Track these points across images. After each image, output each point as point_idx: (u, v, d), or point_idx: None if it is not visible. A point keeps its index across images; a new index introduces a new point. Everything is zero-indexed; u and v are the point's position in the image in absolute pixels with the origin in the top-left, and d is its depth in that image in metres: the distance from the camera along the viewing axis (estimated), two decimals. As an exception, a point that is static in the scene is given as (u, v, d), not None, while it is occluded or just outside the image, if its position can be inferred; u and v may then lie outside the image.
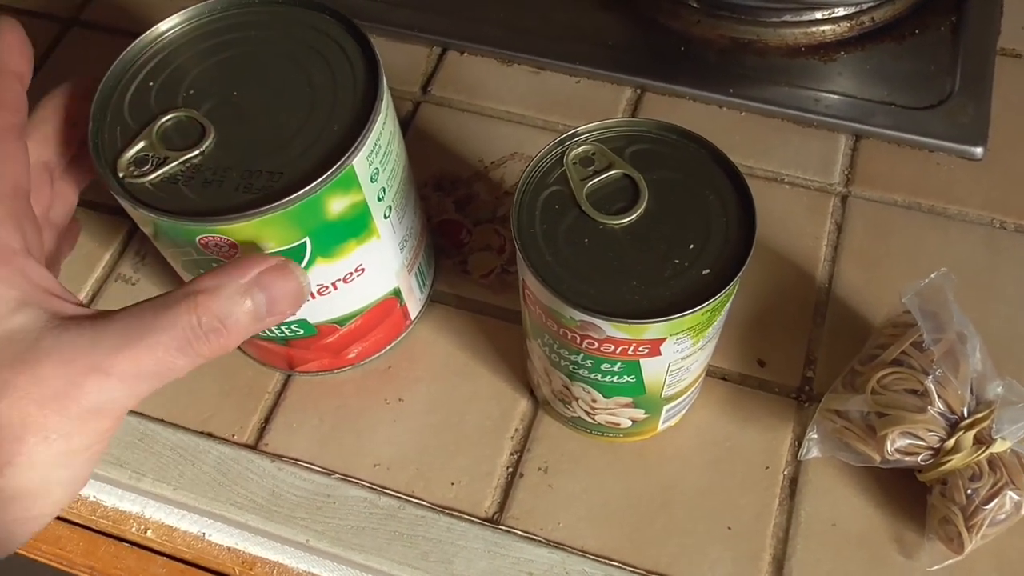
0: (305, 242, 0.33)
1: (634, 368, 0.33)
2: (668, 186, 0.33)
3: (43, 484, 0.27)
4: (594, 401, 0.37)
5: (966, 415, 0.37)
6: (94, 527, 0.43)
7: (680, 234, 0.32)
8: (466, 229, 0.47)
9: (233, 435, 0.42)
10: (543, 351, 0.36)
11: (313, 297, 0.36)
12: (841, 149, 0.49)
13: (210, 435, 0.42)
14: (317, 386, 0.43)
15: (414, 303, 0.43)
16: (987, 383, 0.37)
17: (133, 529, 0.43)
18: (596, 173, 0.33)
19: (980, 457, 0.36)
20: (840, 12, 0.52)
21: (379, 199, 0.35)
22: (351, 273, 0.36)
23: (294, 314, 0.31)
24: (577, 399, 0.37)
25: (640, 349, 0.32)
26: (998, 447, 0.36)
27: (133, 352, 0.27)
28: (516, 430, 0.42)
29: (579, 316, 0.31)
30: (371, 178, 0.34)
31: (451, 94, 0.52)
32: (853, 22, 0.53)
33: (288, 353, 0.41)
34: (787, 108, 0.50)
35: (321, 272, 0.35)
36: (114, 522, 0.43)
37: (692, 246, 0.32)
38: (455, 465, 0.41)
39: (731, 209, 0.32)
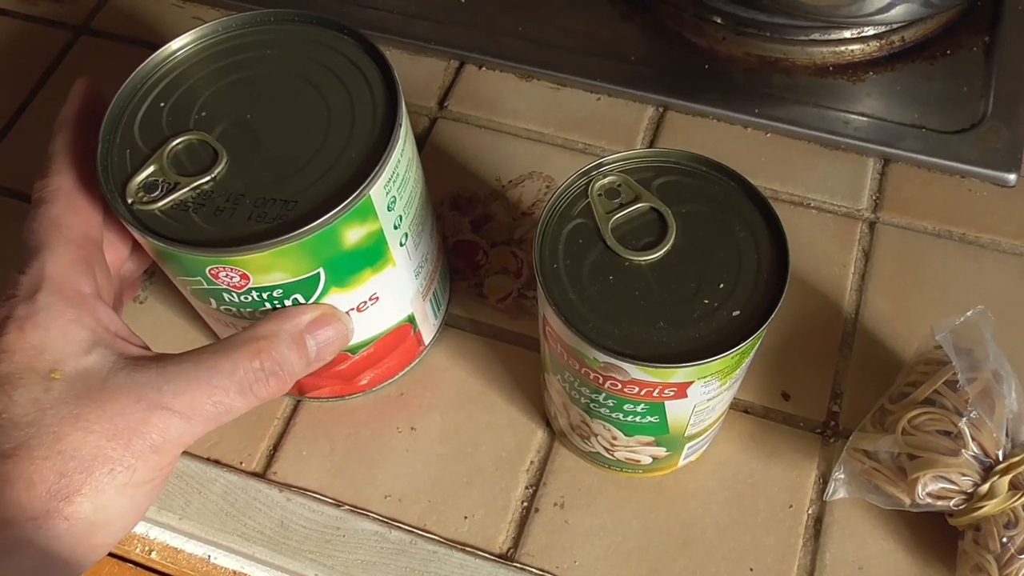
0: (319, 273, 0.32)
1: (658, 409, 0.32)
2: (697, 220, 0.32)
3: (106, 514, 0.29)
4: (614, 438, 0.36)
5: (1001, 459, 0.35)
6: (98, 548, 0.43)
7: (710, 272, 0.31)
8: (482, 251, 0.46)
9: (241, 463, 0.41)
10: (562, 387, 0.34)
11: (326, 327, 0.35)
12: (869, 173, 0.48)
13: (217, 462, 0.41)
14: (328, 412, 0.42)
15: (428, 329, 0.42)
16: (1023, 425, 0.36)
17: (137, 550, 0.42)
18: (622, 206, 0.32)
19: (1016, 504, 0.35)
20: (870, 31, 0.51)
21: (395, 227, 0.34)
22: (365, 302, 0.35)
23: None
24: (596, 435, 0.36)
25: (666, 392, 0.31)
26: (1034, 493, 0.35)
27: (196, 393, 0.30)
28: (532, 462, 0.41)
29: (603, 358, 0.29)
30: (388, 207, 0.33)
31: (469, 110, 0.51)
32: (883, 41, 0.51)
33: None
34: (814, 130, 0.49)
35: (335, 302, 0.34)
36: (118, 543, 0.42)
37: (722, 285, 0.30)
38: (469, 498, 0.40)
39: (763, 246, 0.31)
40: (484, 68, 0.53)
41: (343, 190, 0.31)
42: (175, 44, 0.35)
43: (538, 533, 0.39)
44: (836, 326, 0.43)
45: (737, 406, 0.41)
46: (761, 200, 0.32)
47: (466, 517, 0.39)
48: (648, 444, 0.35)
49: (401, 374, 0.42)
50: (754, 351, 0.32)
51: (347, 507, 0.40)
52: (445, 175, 0.49)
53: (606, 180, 0.32)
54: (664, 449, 0.36)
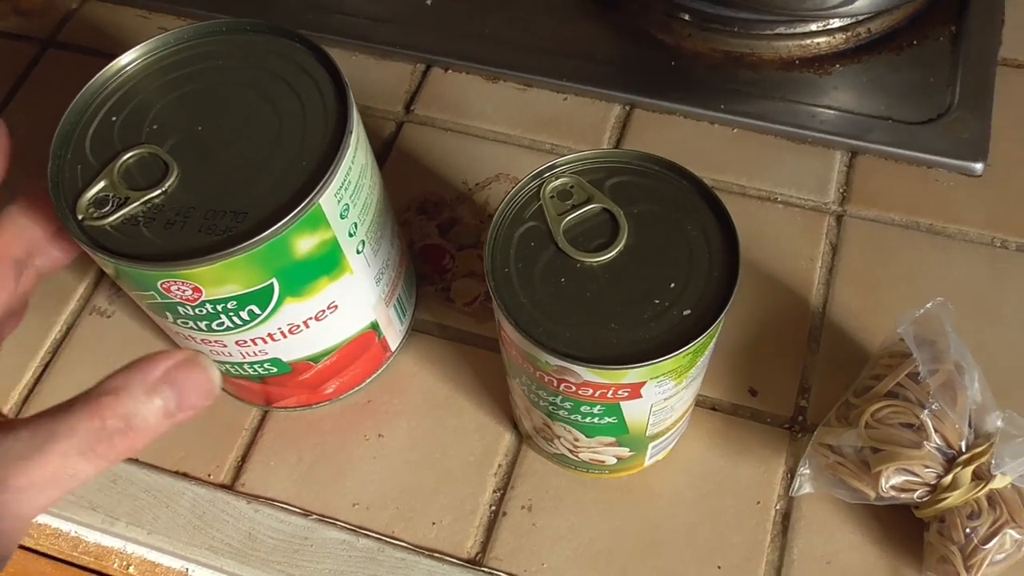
0: (272, 283, 0.32)
1: (615, 410, 0.32)
2: (649, 220, 0.32)
3: None
4: (576, 440, 0.35)
5: (964, 450, 0.35)
6: (76, 563, 0.43)
7: (661, 272, 0.31)
8: (449, 254, 0.46)
9: (209, 475, 0.41)
10: (522, 390, 0.34)
11: (284, 336, 0.35)
12: (836, 166, 0.48)
13: (185, 475, 0.41)
14: (295, 422, 0.42)
15: (394, 335, 0.42)
16: (986, 415, 0.36)
17: (115, 565, 0.42)
18: (574, 207, 0.32)
19: (979, 494, 0.35)
20: (835, 24, 0.51)
21: (351, 235, 0.34)
22: (323, 311, 0.35)
23: (209, 405, 0.30)
24: (559, 437, 0.36)
25: (620, 392, 0.30)
26: (998, 483, 0.35)
27: (31, 463, 0.26)
28: (499, 466, 0.40)
29: (554, 361, 0.29)
30: (340, 215, 0.33)
31: (435, 113, 0.51)
32: (849, 34, 0.51)
33: (264, 390, 0.40)
34: (781, 124, 0.49)
35: (292, 312, 0.34)
36: (96, 558, 0.42)
37: (673, 285, 0.30)
38: (437, 504, 0.40)
39: (714, 244, 0.31)
40: (450, 71, 0.53)
41: (292, 200, 0.31)
42: (124, 58, 0.35)
43: (506, 537, 0.39)
44: (804, 320, 0.43)
45: (704, 403, 0.41)
46: (712, 198, 0.32)
47: (434, 523, 0.39)
48: (610, 445, 0.35)
49: (368, 381, 0.42)
50: (709, 349, 0.32)
51: (315, 516, 0.39)
52: (412, 179, 0.49)
53: (558, 182, 0.32)
54: (627, 449, 0.36)
